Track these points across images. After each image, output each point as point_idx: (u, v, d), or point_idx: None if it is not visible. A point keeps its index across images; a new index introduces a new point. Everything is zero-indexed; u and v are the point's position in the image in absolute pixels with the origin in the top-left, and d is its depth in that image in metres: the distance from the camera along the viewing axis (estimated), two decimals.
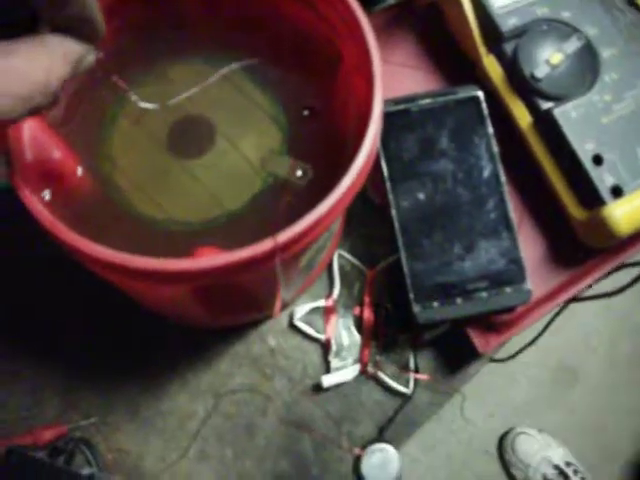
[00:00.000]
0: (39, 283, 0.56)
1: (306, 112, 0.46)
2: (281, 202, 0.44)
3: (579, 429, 1.19)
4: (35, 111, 0.29)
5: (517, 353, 0.59)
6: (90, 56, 0.31)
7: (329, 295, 0.56)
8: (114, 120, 0.45)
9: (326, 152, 0.45)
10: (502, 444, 1.19)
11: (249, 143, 0.45)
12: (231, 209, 0.43)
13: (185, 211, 0.43)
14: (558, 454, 1.16)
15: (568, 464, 1.14)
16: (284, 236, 0.35)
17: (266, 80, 0.47)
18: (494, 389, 1.12)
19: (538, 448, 1.16)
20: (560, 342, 1.16)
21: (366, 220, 0.58)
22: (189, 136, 0.46)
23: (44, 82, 0.28)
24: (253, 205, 0.44)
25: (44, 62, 0.28)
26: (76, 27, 0.29)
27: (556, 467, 1.14)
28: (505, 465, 1.19)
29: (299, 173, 0.43)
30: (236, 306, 0.51)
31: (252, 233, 0.42)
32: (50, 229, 0.35)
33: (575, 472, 1.13)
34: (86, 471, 0.49)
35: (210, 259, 0.34)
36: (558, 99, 0.51)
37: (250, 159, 0.45)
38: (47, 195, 0.42)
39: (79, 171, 0.43)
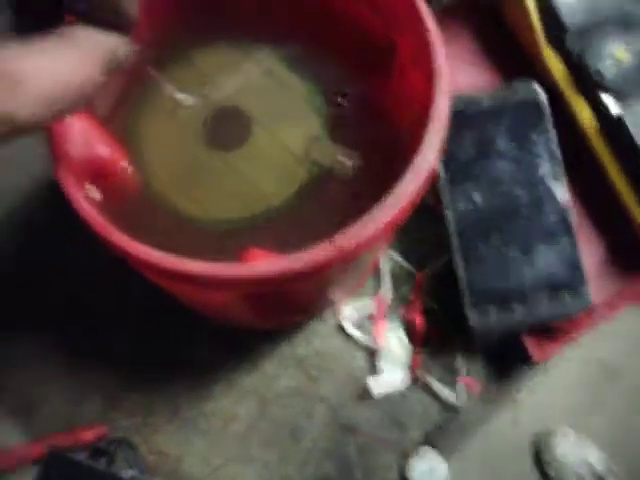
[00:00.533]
0: (88, 278, 0.55)
1: (340, 99, 0.44)
2: (329, 194, 0.42)
3: (620, 432, 1.16)
4: (63, 115, 0.26)
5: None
6: (124, 49, 0.28)
7: (378, 297, 0.54)
8: (145, 118, 0.43)
9: (376, 144, 0.43)
10: (539, 444, 1.17)
11: (289, 132, 0.43)
12: (276, 204, 0.42)
13: (228, 209, 0.42)
14: (595, 457, 1.13)
15: (606, 468, 1.11)
16: (346, 240, 0.33)
17: (302, 65, 0.45)
18: (534, 389, 1.09)
19: (576, 450, 1.13)
20: (600, 342, 1.13)
21: (417, 221, 0.55)
22: (225, 129, 0.44)
23: (72, 83, 0.25)
24: (299, 198, 0.42)
25: (72, 61, 0.25)
26: (108, 17, 0.27)
27: (593, 470, 1.11)
28: (541, 465, 1.16)
29: (345, 161, 0.42)
30: (285, 309, 0.49)
31: (299, 229, 0.41)
32: (98, 231, 0.34)
33: (613, 477, 1.10)
34: (127, 474, 0.48)
35: (268, 264, 0.33)
36: (626, 99, 0.49)
37: (291, 149, 0.43)
38: (95, 193, 0.40)
39: (125, 168, 0.42)
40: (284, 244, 0.34)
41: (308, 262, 0.32)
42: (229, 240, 0.41)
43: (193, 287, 0.39)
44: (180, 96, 0.41)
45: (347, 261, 0.34)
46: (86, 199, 0.39)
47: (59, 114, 0.26)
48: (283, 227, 0.41)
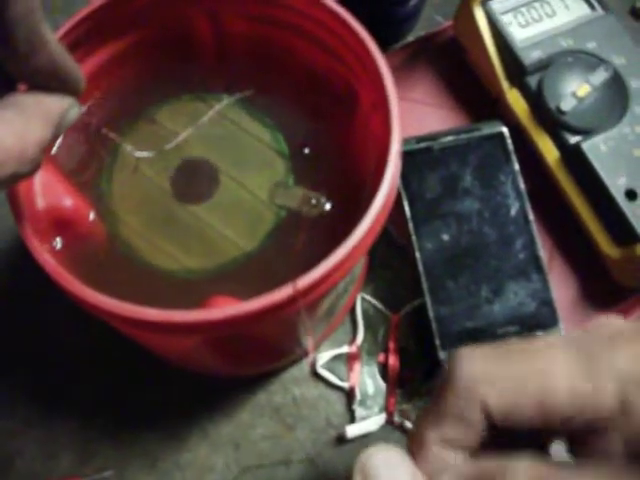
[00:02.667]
0: (55, 332, 0.54)
1: (307, 150, 0.44)
2: (299, 237, 0.42)
3: None
4: (10, 181, 0.27)
5: None
6: (73, 110, 0.29)
7: (352, 341, 0.53)
8: (110, 173, 0.44)
9: (344, 187, 0.43)
10: None
11: (254, 179, 0.44)
12: (247, 250, 0.42)
13: (200, 258, 0.42)
14: None
15: None
16: (301, 284, 0.33)
17: (264, 112, 0.45)
18: None
19: None
20: None
21: (390, 262, 0.56)
22: (192, 181, 0.44)
23: (17, 149, 0.25)
24: (270, 243, 0.42)
25: (16, 127, 0.26)
26: (52, 81, 0.28)
27: None
28: None
29: (312, 203, 0.42)
30: (254, 355, 0.49)
31: (272, 273, 0.41)
32: (56, 279, 0.34)
33: None
34: None
35: (222, 310, 0.33)
36: (586, 132, 0.49)
37: (258, 195, 0.43)
38: (58, 244, 0.41)
39: (91, 219, 0.42)
40: (255, 289, 0.34)
41: (258, 306, 0.32)
42: (207, 286, 0.41)
43: (153, 335, 0.39)
44: (139, 154, 0.41)
45: (301, 304, 0.34)
46: (48, 250, 0.39)
47: (8, 179, 0.26)
48: (258, 271, 0.42)
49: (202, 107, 0.45)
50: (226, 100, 0.44)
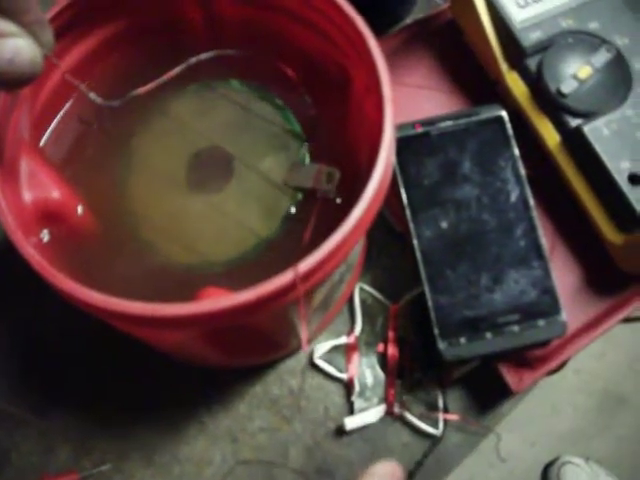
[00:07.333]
0: (51, 326, 0.54)
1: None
2: (310, 223, 0.41)
3: (628, 457, 1.14)
4: None
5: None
6: (28, 51, 0.27)
7: (351, 331, 0.53)
8: (128, 167, 0.43)
9: (343, 172, 0.42)
10: (547, 475, 1.14)
11: (269, 162, 0.43)
12: (265, 235, 0.41)
13: (219, 250, 0.41)
14: None
15: None
16: (302, 268, 0.32)
17: (271, 93, 0.45)
18: (536, 417, 1.07)
19: (586, 478, 1.11)
20: (604, 367, 1.11)
21: (389, 250, 0.55)
22: (207, 170, 0.43)
23: None
24: (287, 227, 0.41)
25: None
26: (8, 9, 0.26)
27: None
28: None
29: (326, 178, 0.41)
30: (251, 347, 0.48)
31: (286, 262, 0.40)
32: (40, 272, 0.33)
33: None
34: None
35: (209, 302, 0.31)
36: (588, 115, 0.48)
37: (274, 179, 0.42)
38: (46, 237, 0.40)
39: (79, 211, 0.41)
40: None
41: (247, 299, 0.31)
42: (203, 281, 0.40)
43: (141, 328, 0.38)
44: (101, 102, 0.40)
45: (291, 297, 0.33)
46: (35, 243, 0.38)
47: None
48: (272, 260, 0.40)
49: (209, 94, 0.44)
50: (239, 87, 0.44)
